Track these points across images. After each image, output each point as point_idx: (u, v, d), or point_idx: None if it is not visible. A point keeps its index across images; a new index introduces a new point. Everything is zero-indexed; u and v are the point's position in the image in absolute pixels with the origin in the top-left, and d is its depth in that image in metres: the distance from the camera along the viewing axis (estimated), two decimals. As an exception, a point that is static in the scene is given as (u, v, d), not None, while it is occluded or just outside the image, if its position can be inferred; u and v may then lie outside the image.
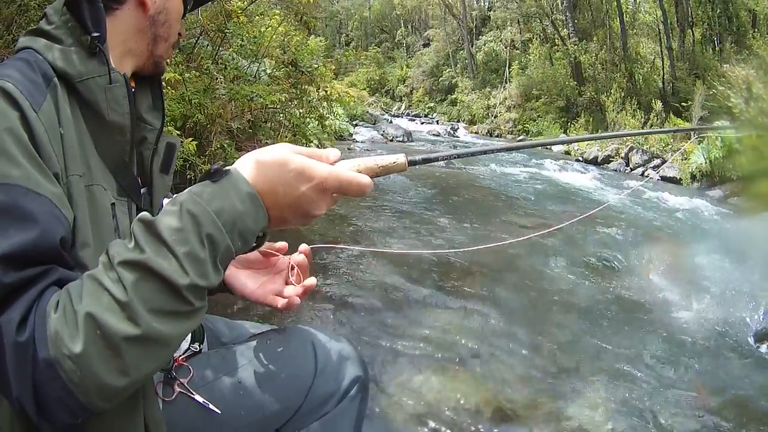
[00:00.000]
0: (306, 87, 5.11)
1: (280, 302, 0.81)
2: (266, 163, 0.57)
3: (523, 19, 21.13)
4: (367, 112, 17.59)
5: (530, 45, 20.09)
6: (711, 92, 8.76)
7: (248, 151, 0.60)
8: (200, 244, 0.53)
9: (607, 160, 9.95)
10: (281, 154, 0.58)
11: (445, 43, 26.84)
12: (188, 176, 3.73)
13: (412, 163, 0.66)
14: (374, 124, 15.45)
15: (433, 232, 3.93)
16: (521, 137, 16.24)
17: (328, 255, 3.04)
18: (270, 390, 0.87)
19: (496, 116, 18.88)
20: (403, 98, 28.60)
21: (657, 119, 11.70)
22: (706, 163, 7.52)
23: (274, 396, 0.86)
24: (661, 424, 1.75)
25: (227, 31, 4.45)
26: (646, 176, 8.47)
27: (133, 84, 0.79)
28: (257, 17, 5.28)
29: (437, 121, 20.89)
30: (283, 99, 4.72)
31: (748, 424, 1.80)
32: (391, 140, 12.55)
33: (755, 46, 11.82)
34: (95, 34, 0.68)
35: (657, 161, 9.09)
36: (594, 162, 10.04)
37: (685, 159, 8.05)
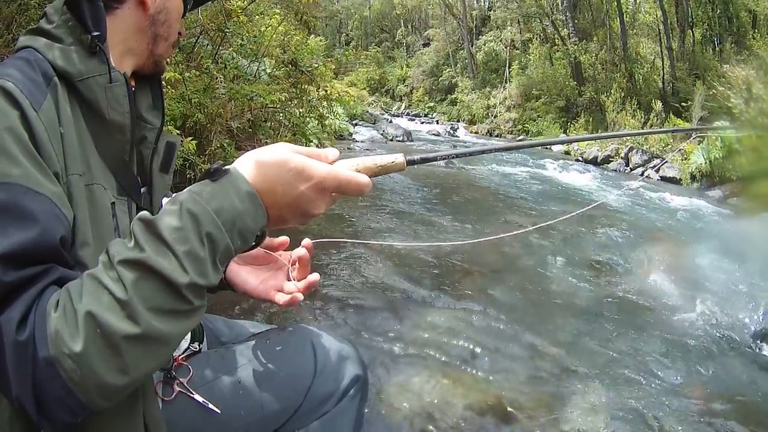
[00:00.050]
0: (306, 86, 5.11)
1: (282, 298, 0.80)
2: (266, 162, 0.57)
3: (523, 19, 21.12)
4: (367, 111, 17.58)
5: (530, 45, 20.09)
6: (711, 92, 8.75)
7: (248, 151, 0.60)
8: (200, 243, 0.53)
9: (607, 160, 9.95)
10: (280, 153, 0.58)
11: (445, 42, 26.81)
12: (188, 175, 3.74)
13: (410, 162, 0.65)
14: (374, 123, 15.43)
15: (433, 232, 3.94)
16: (521, 137, 16.24)
17: (328, 254, 3.05)
18: (269, 389, 0.87)
19: (496, 116, 18.88)
20: (402, 98, 28.58)
21: (657, 119, 11.71)
22: (705, 163, 7.52)
23: (274, 395, 0.87)
24: (661, 424, 1.75)
25: (227, 30, 4.46)
26: (646, 176, 8.48)
27: (133, 83, 0.79)
28: (257, 17, 5.29)
29: (437, 121, 20.86)
30: (283, 98, 4.72)
31: (748, 424, 1.80)
32: (391, 140, 12.55)
33: (755, 47, 11.83)
34: (95, 33, 0.68)
35: (657, 161, 9.09)
36: (594, 162, 10.03)
37: (685, 159, 8.06)
